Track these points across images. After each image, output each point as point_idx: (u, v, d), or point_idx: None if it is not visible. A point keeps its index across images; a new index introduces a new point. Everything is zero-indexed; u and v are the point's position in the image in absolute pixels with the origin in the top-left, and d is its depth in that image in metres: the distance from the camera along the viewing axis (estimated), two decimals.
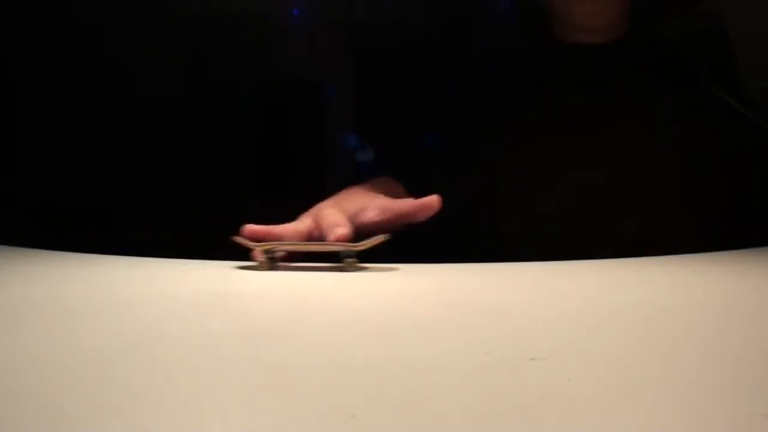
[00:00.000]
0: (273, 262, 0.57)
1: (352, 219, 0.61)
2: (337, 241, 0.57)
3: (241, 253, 0.62)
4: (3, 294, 0.49)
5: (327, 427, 0.22)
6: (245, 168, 1.25)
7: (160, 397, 0.25)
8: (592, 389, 0.26)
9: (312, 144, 1.27)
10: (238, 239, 0.58)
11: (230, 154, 1.22)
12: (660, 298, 0.46)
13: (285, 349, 0.32)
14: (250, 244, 0.58)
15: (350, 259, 0.56)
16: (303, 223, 0.62)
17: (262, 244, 0.57)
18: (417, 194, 0.64)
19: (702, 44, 0.89)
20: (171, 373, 0.28)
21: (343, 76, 1.27)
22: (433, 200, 0.61)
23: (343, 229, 0.57)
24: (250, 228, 0.58)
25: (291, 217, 0.65)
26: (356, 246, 0.56)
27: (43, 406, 0.24)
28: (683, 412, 0.23)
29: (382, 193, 0.71)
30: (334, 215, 0.61)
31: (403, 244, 0.67)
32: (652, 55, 0.90)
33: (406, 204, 0.62)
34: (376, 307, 0.43)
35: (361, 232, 0.59)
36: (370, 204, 0.63)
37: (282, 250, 0.58)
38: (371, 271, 0.57)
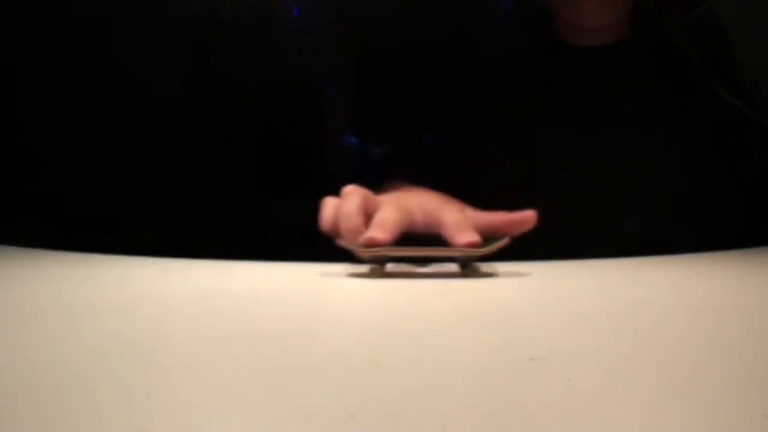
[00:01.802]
0: (382, 267, 0.53)
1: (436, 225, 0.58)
2: (467, 247, 0.53)
3: (240, 254, 0.62)
4: (3, 294, 0.49)
5: (327, 427, 0.22)
6: (245, 168, 1.25)
7: (160, 397, 0.25)
8: (592, 389, 0.26)
9: (312, 144, 1.27)
10: (344, 243, 0.55)
11: (230, 153, 1.22)
12: (660, 298, 0.46)
13: (285, 349, 0.32)
14: (360, 250, 0.53)
15: (474, 264, 0.54)
16: (400, 219, 0.57)
17: (373, 249, 0.52)
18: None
19: (702, 44, 0.89)
20: (171, 373, 0.28)
21: (343, 76, 1.27)
22: (529, 216, 0.58)
23: (473, 236, 0.54)
24: (369, 238, 0.53)
25: (291, 216, 0.65)
26: (478, 252, 0.53)
27: (43, 406, 0.24)
28: (683, 412, 0.23)
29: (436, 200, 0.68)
30: (455, 217, 0.58)
31: (403, 244, 0.67)
32: (654, 56, 0.90)
33: (500, 218, 0.59)
34: (376, 307, 0.44)
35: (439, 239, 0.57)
36: (449, 208, 0.60)
37: (395, 256, 0.54)
38: (367, 268, 0.58)
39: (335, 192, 0.66)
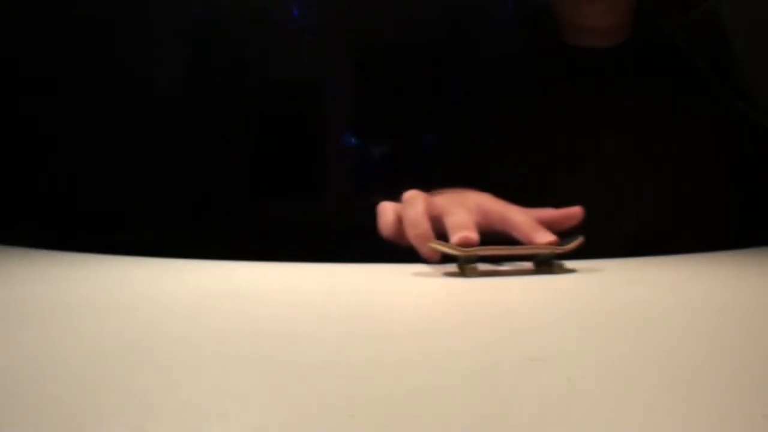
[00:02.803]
0: (475, 266, 0.54)
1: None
2: (547, 245, 0.55)
3: (240, 254, 0.62)
4: (3, 294, 0.49)
5: (326, 427, 0.22)
6: (245, 168, 1.25)
7: (160, 397, 0.25)
8: (592, 389, 0.26)
9: (312, 144, 1.27)
10: (438, 245, 0.55)
11: (230, 153, 1.22)
12: (660, 298, 0.46)
13: (285, 349, 0.32)
14: (454, 250, 0.54)
15: (557, 262, 0.55)
16: (473, 221, 0.58)
17: (469, 249, 0.53)
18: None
19: (702, 44, 0.89)
20: (170, 373, 0.28)
21: (343, 76, 1.27)
22: (576, 211, 0.60)
23: (550, 235, 0.56)
24: (465, 237, 0.54)
25: (291, 216, 0.65)
26: (559, 249, 0.55)
27: (43, 406, 0.24)
28: (683, 412, 0.23)
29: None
30: (524, 216, 0.59)
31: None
32: (654, 56, 0.90)
33: (550, 214, 0.61)
34: (376, 307, 0.44)
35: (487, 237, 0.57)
36: (511, 208, 0.61)
37: (488, 255, 0.54)
38: (368, 268, 0.58)
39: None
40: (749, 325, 0.37)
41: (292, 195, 1.22)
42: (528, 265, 0.56)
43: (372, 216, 0.65)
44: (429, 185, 0.92)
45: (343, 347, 0.33)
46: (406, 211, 0.60)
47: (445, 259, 0.57)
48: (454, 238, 0.54)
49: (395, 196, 0.95)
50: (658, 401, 0.24)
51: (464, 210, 0.59)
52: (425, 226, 0.58)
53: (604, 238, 0.79)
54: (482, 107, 0.94)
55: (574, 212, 0.60)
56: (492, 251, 0.55)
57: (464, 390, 0.26)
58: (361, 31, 1.27)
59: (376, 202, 0.66)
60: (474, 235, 0.54)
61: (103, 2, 1.15)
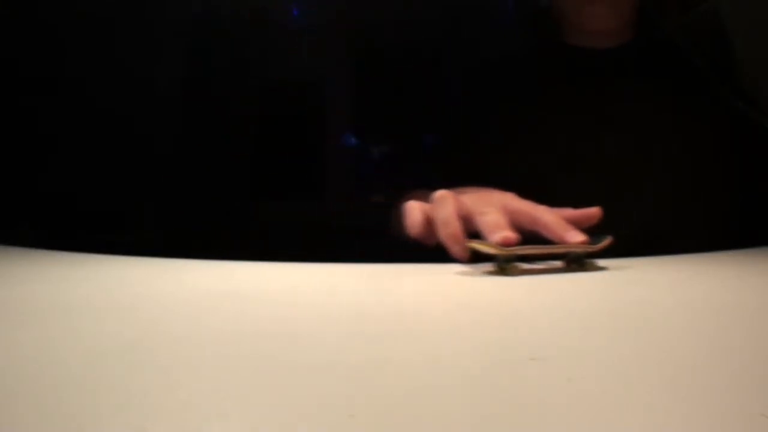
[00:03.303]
0: (517, 265, 0.54)
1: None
2: (580, 244, 0.57)
3: (240, 254, 0.62)
4: (3, 294, 0.49)
5: (327, 427, 0.22)
6: (245, 168, 1.25)
7: (160, 397, 0.25)
8: (592, 389, 0.26)
9: (312, 144, 1.27)
10: (478, 245, 0.55)
11: (230, 153, 1.22)
12: (660, 298, 0.46)
13: (285, 349, 0.32)
14: (495, 250, 0.54)
15: (588, 260, 0.56)
16: (506, 220, 0.58)
17: (509, 249, 0.54)
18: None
19: (702, 44, 0.89)
20: (170, 373, 0.28)
21: (343, 76, 1.27)
22: (596, 212, 0.61)
23: (581, 234, 0.57)
24: (506, 237, 0.55)
25: (291, 216, 0.65)
26: (591, 248, 0.56)
27: (43, 406, 0.24)
28: (683, 412, 0.23)
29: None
30: (553, 216, 0.60)
31: (403, 244, 0.67)
32: (655, 56, 0.90)
33: (571, 213, 0.61)
34: (376, 307, 0.44)
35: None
36: (539, 208, 0.62)
37: (526, 254, 0.55)
38: (368, 268, 0.58)
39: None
40: (749, 325, 0.37)
41: (292, 195, 1.22)
42: (558, 263, 0.57)
43: (372, 216, 0.65)
44: (429, 185, 0.92)
45: (343, 347, 0.33)
46: (436, 210, 0.60)
47: (477, 258, 0.57)
48: (495, 237, 0.55)
49: (395, 196, 0.95)
50: (658, 401, 0.24)
51: (495, 209, 0.59)
52: (457, 227, 0.58)
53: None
54: (482, 107, 0.94)
55: (593, 213, 0.61)
56: (530, 250, 0.55)
57: (464, 390, 0.26)
58: (361, 31, 1.27)
59: (376, 202, 0.66)
60: (513, 235, 0.55)
61: (103, 2, 1.15)
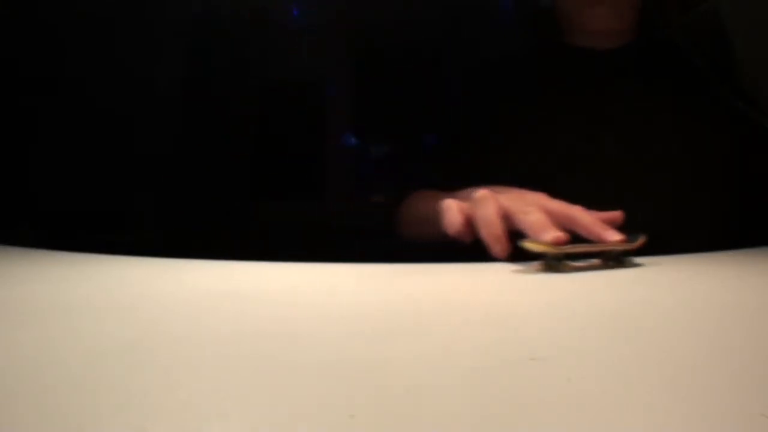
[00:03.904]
0: (566, 263, 0.56)
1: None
2: (619, 242, 0.59)
3: (240, 254, 0.62)
4: (3, 294, 0.49)
5: (327, 427, 0.22)
6: (245, 168, 1.25)
7: (160, 397, 0.25)
8: (592, 389, 0.26)
9: (312, 144, 1.27)
10: (529, 244, 0.56)
11: (230, 153, 1.22)
12: (660, 298, 0.46)
13: (285, 349, 0.32)
14: (547, 249, 0.56)
15: (627, 258, 0.59)
16: (546, 218, 0.60)
17: (561, 248, 0.56)
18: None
19: (702, 44, 0.89)
20: (170, 373, 0.28)
21: (343, 76, 1.27)
22: (619, 215, 0.63)
23: (619, 234, 0.59)
24: (558, 236, 0.57)
25: (291, 216, 0.65)
26: (631, 246, 0.59)
27: (43, 406, 0.24)
28: (683, 412, 0.23)
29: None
30: (590, 216, 0.61)
31: (403, 244, 0.67)
32: (655, 56, 0.90)
33: (598, 215, 0.63)
34: (376, 307, 0.44)
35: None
36: (574, 208, 0.63)
37: (573, 252, 0.57)
38: (368, 268, 0.58)
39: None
40: (749, 325, 0.37)
41: (292, 195, 1.22)
42: (596, 261, 0.59)
43: (372, 216, 0.65)
44: (429, 185, 0.92)
45: (343, 347, 0.33)
46: (478, 210, 0.62)
47: (517, 257, 0.59)
48: (547, 237, 0.57)
49: (396, 196, 0.95)
50: (658, 401, 0.24)
51: (535, 209, 0.61)
52: (500, 227, 0.60)
53: None
54: (482, 107, 0.94)
55: (617, 216, 0.63)
56: (578, 249, 0.57)
57: (464, 390, 0.26)
58: (361, 31, 1.27)
59: (376, 202, 0.66)
60: (564, 234, 0.57)
61: (103, 2, 1.15)
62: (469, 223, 0.63)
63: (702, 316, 0.40)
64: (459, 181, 0.84)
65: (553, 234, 0.57)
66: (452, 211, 0.64)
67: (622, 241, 0.58)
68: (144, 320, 0.40)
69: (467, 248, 0.64)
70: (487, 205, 0.62)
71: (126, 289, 0.53)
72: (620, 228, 0.61)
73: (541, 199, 0.65)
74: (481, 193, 0.63)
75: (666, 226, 0.83)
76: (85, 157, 1.14)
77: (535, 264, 0.57)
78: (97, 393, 0.26)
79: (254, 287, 0.53)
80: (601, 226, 0.60)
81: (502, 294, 0.49)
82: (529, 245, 0.56)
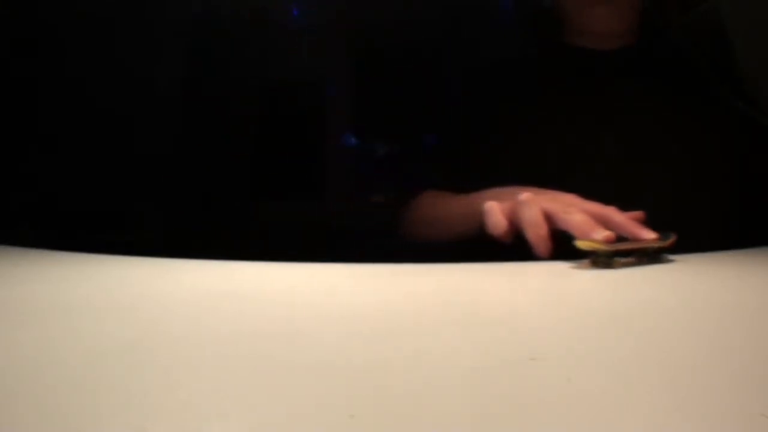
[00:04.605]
0: (617, 260, 0.59)
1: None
2: (655, 240, 0.62)
3: (240, 254, 0.62)
4: (3, 294, 0.49)
5: (326, 427, 0.22)
6: (245, 168, 1.25)
7: (160, 397, 0.25)
8: (592, 389, 0.26)
9: (312, 144, 1.27)
10: (582, 244, 0.59)
11: (230, 153, 1.22)
12: (660, 298, 0.46)
13: (285, 349, 0.32)
14: (603, 247, 0.58)
15: (663, 254, 0.62)
16: (589, 218, 0.63)
17: (614, 245, 0.59)
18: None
19: (702, 44, 0.90)
20: (170, 373, 0.28)
21: (343, 76, 1.27)
22: (642, 215, 0.66)
23: (653, 232, 0.62)
24: (609, 235, 0.60)
25: (291, 216, 0.65)
26: (666, 243, 0.62)
27: (43, 406, 0.24)
28: (683, 412, 0.23)
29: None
30: (623, 216, 0.64)
31: (404, 244, 0.67)
32: (655, 56, 0.90)
33: (626, 214, 0.66)
34: (376, 307, 0.43)
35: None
36: (608, 209, 0.66)
37: (623, 250, 0.60)
38: (368, 268, 0.58)
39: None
40: (749, 325, 0.37)
41: (292, 195, 1.22)
42: (632, 258, 0.61)
43: (372, 216, 0.65)
44: (429, 185, 0.92)
45: (342, 347, 0.33)
46: (523, 212, 0.65)
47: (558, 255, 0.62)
48: (599, 236, 0.59)
49: (395, 196, 0.95)
50: (658, 401, 0.24)
51: (576, 210, 0.64)
52: (546, 228, 0.64)
53: None
54: (483, 107, 0.94)
55: (640, 215, 0.66)
56: (625, 246, 0.60)
57: (464, 390, 0.26)
58: (361, 31, 1.27)
59: (376, 202, 0.67)
60: (612, 233, 0.60)
61: (103, 2, 1.15)
62: (512, 225, 0.66)
63: (702, 316, 0.40)
64: (459, 181, 0.84)
65: (604, 233, 0.59)
66: (495, 213, 0.67)
67: (656, 239, 0.61)
68: (144, 320, 0.40)
69: (472, 249, 0.65)
70: (531, 207, 0.65)
71: (126, 289, 0.53)
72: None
73: (574, 199, 0.68)
74: (526, 195, 0.66)
75: (666, 226, 0.83)
76: (85, 157, 1.14)
77: (584, 261, 0.59)
78: (97, 393, 0.25)
79: (254, 287, 0.53)
80: (635, 225, 0.63)
81: (503, 294, 0.49)
82: (581, 244, 0.59)
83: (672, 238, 0.62)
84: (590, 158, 0.84)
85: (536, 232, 0.64)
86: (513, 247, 0.66)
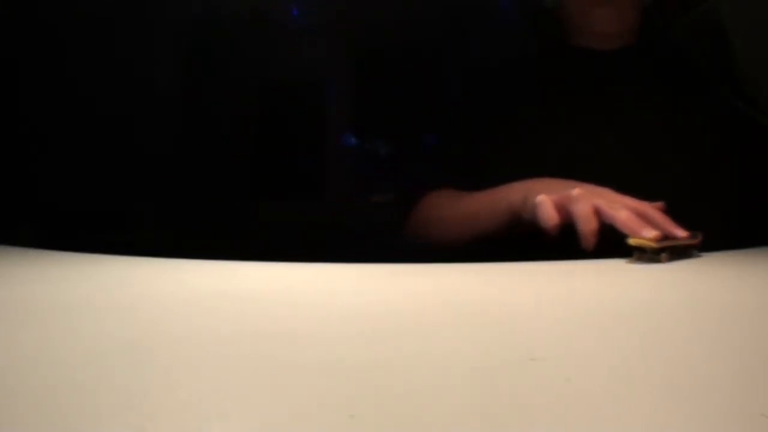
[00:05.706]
0: (665, 255, 0.62)
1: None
2: (686, 238, 0.66)
3: (240, 254, 0.62)
4: (3, 294, 0.49)
5: (327, 427, 0.22)
6: (245, 168, 1.24)
7: (160, 397, 0.25)
8: (592, 389, 0.26)
9: (312, 144, 1.27)
10: (634, 241, 0.62)
11: (230, 153, 1.22)
12: (660, 297, 0.46)
13: (285, 349, 0.32)
14: (651, 244, 0.62)
15: (694, 251, 0.66)
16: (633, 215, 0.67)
17: (660, 243, 0.62)
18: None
19: (702, 44, 0.90)
20: (171, 373, 0.28)
21: (343, 76, 1.27)
22: (662, 205, 0.70)
23: (686, 230, 0.66)
24: (659, 234, 0.63)
25: (291, 216, 0.65)
26: (696, 240, 0.66)
27: (43, 406, 0.24)
28: (683, 412, 0.23)
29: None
30: (659, 213, 0.68)
31: (403, 244, 0.67)
32: (656, 57, 0.90)
33: (655, 205, 0.70)
34: (376, 307, 0.43)
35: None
36: (643, 204, 0.69)
37: (668, 246, 0.63)
38: (368, 268, 0.58)
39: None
40: (749, 325, 0.37)
41: (292, 195, 1.22)
42: (665, 255, 0.63)
43: (371, 216, 0.66)
44: (429, 185, 0.92)
45: (342, 347, 0.33)
46: (575, 207, 0.68)
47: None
48: (650, 234, 0.63)
49: (396, 196, 0.95)
50: (658, 401, 0.24)
51: (621, 206, 0.68)
52: (596, 223, 0.67)
53: (605, 238, 0.79)
54: (483, 107, 0.94)
55: (662, 206, 0.70)
56: (669, 244, 0.63)
57: (464, 390, 0.26)
58: (361, 31, 1.26)
59: (376, 202, 0.67)
60: (661, 232, 0.63)
61: (103, 2, 1.15)
62: (562, 218, 0.69)
63: (702, 316, 0.40)
64: (459, 181, 0.84)
65: (654, 232, 0.63)
66: (548, 206, 0.70)
67: (688, 236, 0.65)
68: (144, 320, 0.40)
69: (475, 250, 0.66)
70: (584, 203, 0.68)
71: (126, 289, 0.53)
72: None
73: (616, 196, 0.71)
74: (578, 191, 0.69)
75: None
76: (85, 157, 1.14)
77: (631, 257, 0.62)
78: (97, 393, 0.25)
79: (254, 287, 0.53)
80: (671, 223, 0.66)
81: (503, 294, 0.49)
82: (633, 241, 0.62)
83: (699, 237, 0.66)
84: (590, 158, 0.84)
85: (588, 227, 0.67)
86: (513, 248, 0.67)
